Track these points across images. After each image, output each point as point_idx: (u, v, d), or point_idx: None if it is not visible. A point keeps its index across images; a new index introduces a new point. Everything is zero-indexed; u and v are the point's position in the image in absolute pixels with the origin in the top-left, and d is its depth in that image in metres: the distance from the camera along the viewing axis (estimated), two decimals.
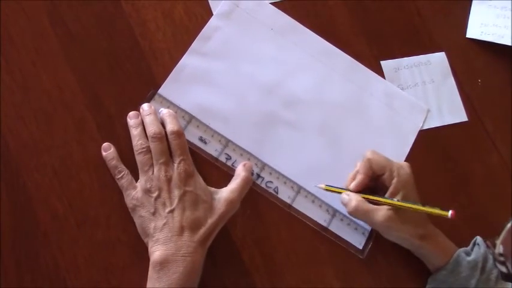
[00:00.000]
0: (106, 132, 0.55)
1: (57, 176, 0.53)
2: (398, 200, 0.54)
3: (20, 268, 0.50)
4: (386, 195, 0.55)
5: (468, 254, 0.55)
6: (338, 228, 0.58)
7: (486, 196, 0.63)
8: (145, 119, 0.54)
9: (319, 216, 0.58)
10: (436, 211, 0.52)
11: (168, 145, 0.53)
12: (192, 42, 0.60)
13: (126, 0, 0.60)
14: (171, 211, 0.50)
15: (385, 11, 0.68)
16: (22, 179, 0.53)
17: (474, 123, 0.66)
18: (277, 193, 0.57)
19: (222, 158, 0.57)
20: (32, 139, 0.54)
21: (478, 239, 0.57)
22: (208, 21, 0.61)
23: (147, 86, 0.58)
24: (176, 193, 0.51)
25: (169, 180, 0.51)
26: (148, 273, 0.49)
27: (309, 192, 0.58)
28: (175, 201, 0.51)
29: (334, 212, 0.58)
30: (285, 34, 0.63)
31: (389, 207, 0.54)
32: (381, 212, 0.54)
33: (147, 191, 0.51)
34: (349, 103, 0.62)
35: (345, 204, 0.56)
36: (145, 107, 0.55)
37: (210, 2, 0.62)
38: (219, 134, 0.58)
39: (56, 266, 0.51)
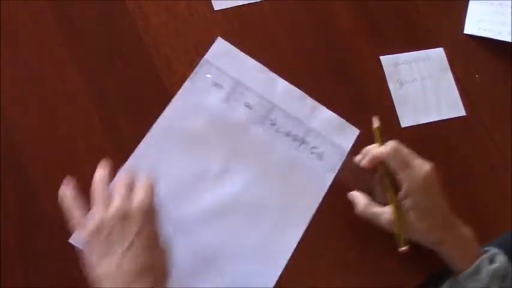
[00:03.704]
0: (108, 124, 0.56)
1: (61, 167, 0.54)
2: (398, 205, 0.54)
3: (26, 259, 0.51)
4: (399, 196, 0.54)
5: (492, 260, 0.54)
6: None
7: (484, 189, 0.64)
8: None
9: None
10: (398, 236, 0.54)
11: None
12: (193, 38, 0.61)
13: None
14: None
15: (384, 7, 0.68)
16: (26, 170, 0.53)
17: (472, 118, 0.66)
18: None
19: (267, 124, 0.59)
20: (36, 131, 0.55)
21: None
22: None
23: (149, 79, 0.58)
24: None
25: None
26: None
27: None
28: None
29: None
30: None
31: (393, 210, 0.54)
32: (384, 216, 0.54)
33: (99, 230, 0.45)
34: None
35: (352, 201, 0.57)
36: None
37: None
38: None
39: (62, 257, 0.51)
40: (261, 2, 0.65)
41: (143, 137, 0.56)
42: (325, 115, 0.62)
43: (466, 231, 0.56)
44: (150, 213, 0.46)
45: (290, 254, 0.56)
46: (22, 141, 0.54)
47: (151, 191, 0.47)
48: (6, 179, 0.53)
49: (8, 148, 0.54)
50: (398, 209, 0.54)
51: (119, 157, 0.55)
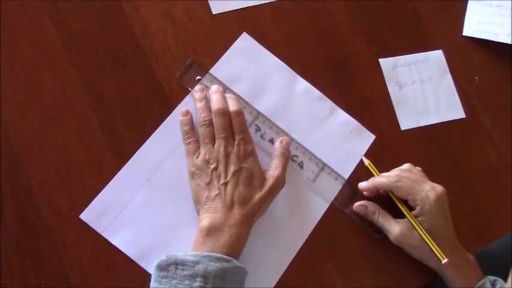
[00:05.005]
0: (108, 131, 0.56)
1: (60, 174, 0.54)
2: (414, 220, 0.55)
3: (24, 265, 0.51)
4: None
5: (494, 284, 0.55)
6: None
7: (484, 191, 0.64)
8: (212, 97, 0.57)
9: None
10: (436, 252, 0.54)
11: (231, 124, 0.56)
12: (191, 41, 0.61)
13: (127, 0, 0.60)
14: (225, 184, 0.52)
15: (383, 9, 0.68)
16: (25, 177, 0.53)
17: (472, 120, 0.66)
18: (302, 167, 0.59)
19: (252, 129, 0.59)
20: (35, 137, 0.54)
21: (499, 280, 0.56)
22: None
23: (148, 85, 0.58)
24: (232, 168, 0.53)
25: (227, 155, 0.54)
26: (195, 237, 0.51)
27: (332, 170, 0.60)
28: (230, 175, 0.53)
29: (355, 191, 0.60)
30: None
31: (404, 228, 0.55)
32: (394, 230, 0.56)
33: (206, 162, 0.53)
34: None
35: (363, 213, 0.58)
36: (214, 87, 0.58)
37: (209, 2, 0.63)
38: (251, 107, 0.60)
39: (60, 263, 0.51)
40: (259, 6, 0.65)
41: (142, 143, 0.56)
42: (342, 118, 0.62)
43: (470, 256, 0.57)
44: (249, 154, 0.54)
45: (293, 256, 0.56)
46: (21, 146, 0.54)
47: (250, 139, 0.56)
48: (5, 184, 0.53)
49: (7, 153, 0.53)
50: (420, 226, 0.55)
51: (118, 163, 0.55)
